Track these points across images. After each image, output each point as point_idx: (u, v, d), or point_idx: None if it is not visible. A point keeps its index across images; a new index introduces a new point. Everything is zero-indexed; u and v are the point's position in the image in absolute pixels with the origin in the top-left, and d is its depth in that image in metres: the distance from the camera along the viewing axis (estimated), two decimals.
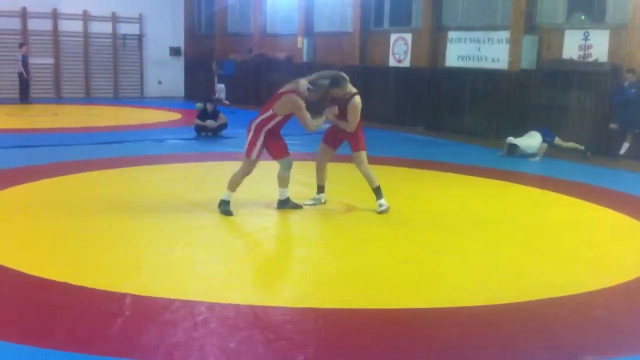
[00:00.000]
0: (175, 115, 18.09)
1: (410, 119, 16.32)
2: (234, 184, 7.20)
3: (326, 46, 19.11)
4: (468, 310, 4.71)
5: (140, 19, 23.90)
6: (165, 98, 23.61)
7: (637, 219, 7.53)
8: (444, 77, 15.63)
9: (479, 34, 14.83)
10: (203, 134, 13.54)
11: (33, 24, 22.14)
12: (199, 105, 14.15)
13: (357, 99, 7.24)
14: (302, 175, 8.50)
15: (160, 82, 24.51)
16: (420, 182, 9.67)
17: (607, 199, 8.54)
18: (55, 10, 22.36)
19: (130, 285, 4.90)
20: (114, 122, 16.57)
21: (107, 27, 23.37)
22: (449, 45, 15.59)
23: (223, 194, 7.21)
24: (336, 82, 7.17)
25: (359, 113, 7.26)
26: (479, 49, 14.86)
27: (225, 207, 7.16)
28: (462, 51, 15.29)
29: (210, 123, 13.49)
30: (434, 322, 4.57)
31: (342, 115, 7.28)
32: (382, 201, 7.41)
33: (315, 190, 7.73)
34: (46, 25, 22.36)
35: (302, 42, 19.57)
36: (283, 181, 7.32)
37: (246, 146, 7.16)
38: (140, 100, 22.96)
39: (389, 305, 4.77)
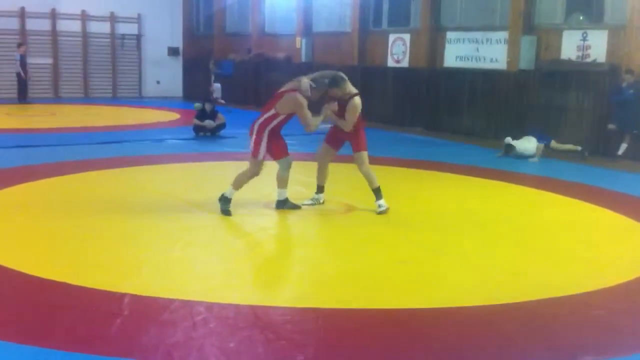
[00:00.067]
0: (174, 115, 18.08)
1: (409, 119, 16.33)
2: (238, 183, 7.17)
3: (325, 46, 19.11)
4: (467, 310, 4.72)
5: (138, 19, 23.89)
6: (163, 98, 23.60)
7: (635, 219, 7.54)
8: (443, 78, 15.64)
9: (478, 35, 14.85)
10: (202, 134, 13.54)
11: (31, 24, 22.11)
12: (198, 105, 14.16)
13: (357, 99, 7.24)
14: (302, 176, 8.51)
15: (158, 82, 24.49)
16: (419, 183, 9.68)
17: (605, 199, 8.55)
18: (53, 10, 22.34)
19: (129, 285, 4.90)
20: (112, 122, 16.56)
21: (105, 27, 23.35)
22: (447, 45, 15.60)
23: (226, 189, 7.19)
24: (335, 82, 7.16)
25: (357, 114, 7.26)
26: (478, 49, 14.87)
27: (225, 205, 7.13)
28: (460, 51, 15.30)
29: (208, 123, 13.49)
30: (433, 322, 4.58)
31: (342, 114, 7.28)
32: (382, 202, 7.42)
33: (315, 190, 7.73)
34: (45, 25, 22.34)
35: (300, 42, 19.57)
36: (282, 181, 7.31)
37: (251, 147, 7.12)
38: (139, 100, 22.95)
39: (389, 305, 4.77)
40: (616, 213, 7.85)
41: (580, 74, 12.73)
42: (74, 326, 4.23)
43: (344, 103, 7.25)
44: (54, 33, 22.56)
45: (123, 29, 23.69)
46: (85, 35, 23.06)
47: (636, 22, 11.88)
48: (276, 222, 7.25)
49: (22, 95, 20.34)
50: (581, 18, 13.42)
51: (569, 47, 13.07)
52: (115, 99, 23.08)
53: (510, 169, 10.82)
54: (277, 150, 7.21)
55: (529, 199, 8.76)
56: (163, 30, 24.29)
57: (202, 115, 13.60)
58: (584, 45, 12.79)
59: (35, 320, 4.33)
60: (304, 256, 6.13)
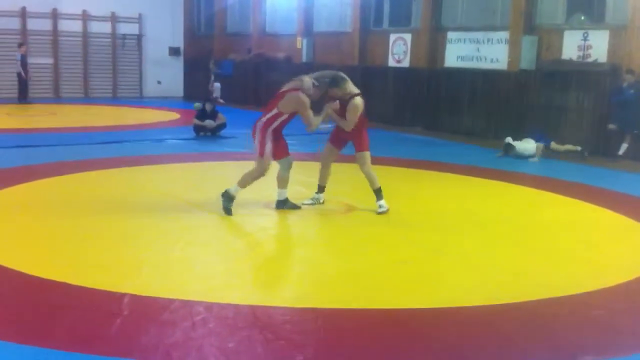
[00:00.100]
0: (174, 115, 18.09)
1: (409, 119, 16.32)
2: (244, 182, 7.15)
3: (325, 46, 19.11)
4: (467, 311, 4.72)
5: (139, 19, 23.90)
6: (164, 98, 23.60)
7: (636, 220, 7.54)
8: (443, 78, 15.64)
9: (479, 35, 14.84)
10: (202, 133, 13.54)
11: (32, 24, 22.12)
12: (197, 105, 14.15)
13: (357, 99, 7.22)
14: (302, 176, 8.50)
15: (159, 82, 24.50)
16: (419, 183, 9.68)
17: (605, 199, 8.55)
18: (54, 10, 22.35)
19: (129, 285, 4.90)
20: (113, 122, 16.57)
21: (106, 27, 23.36)
22: (448, 45, 15.60)
23: (231, 186, 7.15)
24: (335, 82, 7.16)
25: (358, 114, 7.25)
26: (478, 49, 14.86)
27: (227, 203, 7.08)
28: (461, 51, 15.29)
29: (209, 123, 13.49)
30: (433, 322, 4.57)
31: (343, 113, 7.27)
32: (382, 202, 7.42)
33: (315, 190, 7.73)
34: (45, 25, 22.35)
35: (301, 42, 19.57)
36: (282, 181, 7.31)
37: (257, 147, 7.09)
38: (139, 100, 22.95)
39: (389, 305, 4.77)
40: (616, 213, 7.84)
41: (581, 74, 12.72)
42: (74, 326, 4.23)
43: (345, 103, 7.24)
44: (55, 33, 22.57)
45: (124, 29, 23.69)
46: (86, 35, 23.07)
47: (637, 22, 11.87)
48: (276, 222, 7.24)
49: (23, 95, 20.35)
50: (582, 18, 13.41)
51: (570, 47, 13.06)
52: (115, 99, 23.09)
53: (510, 169, 10.82)
54: (278, 150, 7.20)
55: (529, 199, 8.76)
56: (164, 30, 24.29)
57: (202, 115, 13.60)
58: (585, 45, 12.79)
59: (35, 320, 4.33)
60: (303, 256, 6.13)
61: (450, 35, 15.53)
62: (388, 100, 16.78)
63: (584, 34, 12.83)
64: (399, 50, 16.87)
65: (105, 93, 23.59)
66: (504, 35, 14.18)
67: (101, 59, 23.47)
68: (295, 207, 7.44)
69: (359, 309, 4.70)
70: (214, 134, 13.55)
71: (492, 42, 14.56)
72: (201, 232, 6.55)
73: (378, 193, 7.44)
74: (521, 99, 13.83)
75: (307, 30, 19.66)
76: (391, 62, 17.13)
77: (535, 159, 11.65)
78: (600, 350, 4.17)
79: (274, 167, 7.34)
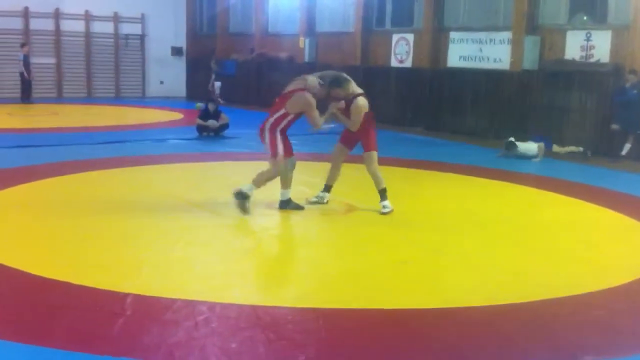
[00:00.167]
0: (177, 115, 18.10)
1: (410, 119, 16.32)
2: (258, 182, 7.15)
3: (328, 46, 19.11)
4: (468, 311, 4.72)
5: (142, 19, 23.93)
6: (167, 98, 23.63)
7: (638, 220, 7.53)
8: (446, 78, 15.64)
9: (481, 35, 14.83)
10: (205, 134, 13.54)
11: (35, 24, 22.16)
12: (199, 105, 14.16)
13: (361, 100, 7.22)
14: (305, 176, 8.51)
15: (162, 82, 24.53)
16: (420, 183, 9.68)
17: (607, 199, 8.54)
18: (57, 10, 22.38)
19: (131, 284, 4.90)
20: (115, 122, 16.58)
21: (109, 27, 23.38)
22: (450, 45, 15.60)
23: (245, 185, 7.13)
24: (337, 82, 7.16)
25: (362, 114, 7.24)
26: (481, 49, 14.86)
27: (242, 203, 7.00)
28: (464, 52, 15.29)
29: (212, 123, 13.50)
30: (434, 322, 4.57)
31: (347, 114, 7.28)
32: (387, 203, 7.41)
33: (321, 189, 7.72)
34: (48, 25, 22.38)
35: (303, 42, 19.58)
36: (285, 181, 7.31)
37: (268, 148, 7.12)
38: (142, 100, 22.98)
39: (389, 306, 4.77)
40: (618, 213, 7.84)
41: (583, 74, 12.71)
42: (75, 325, 4.23)
43: (349, 103, 7.25)
44: (58, 33, 22.60)
45: (126, 29, 23.72)
46: (88, 35, 23.10)
47: None
48: (278, 222, 7.25)
49: (26, 95, 20.37)
50: (585, 18, 13.40)
51: (573, 47, 13.05)
52: (118, 99, 23.11)
53: (511, 169, 10.81)
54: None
55: (530, 199, 8.76)
56: (166, 30, 24.32)
57: (205, 115, 13.61)
58: (588, 45, 12.78)
59: (35, 320, 4.34)
60: (305, 256, 6.14)
61: (453, 35, 15.52)
62: (390, 100, 16.76)
63: (586, 34, 12.82)
64: (402, 51, 16.87)
65: (107, 93, 23.61)
66: (507, 35, 14.18)
67: (104, 59, 23.49)
68: (299, 207, 7.43)
69: (359, 309, 4.70)
70: (216, 134, 13.56)
71: (494, 42, 14.56)
72: (203, 232, 6.55)
73: (383, 193, 7.43)
74: (524, 99, 13.83)
75: (310, 30, 19.67)
76: (394, 62, 17.14)
77: (537, 159, 11.65)
78: (601, 351, 4.17)
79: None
